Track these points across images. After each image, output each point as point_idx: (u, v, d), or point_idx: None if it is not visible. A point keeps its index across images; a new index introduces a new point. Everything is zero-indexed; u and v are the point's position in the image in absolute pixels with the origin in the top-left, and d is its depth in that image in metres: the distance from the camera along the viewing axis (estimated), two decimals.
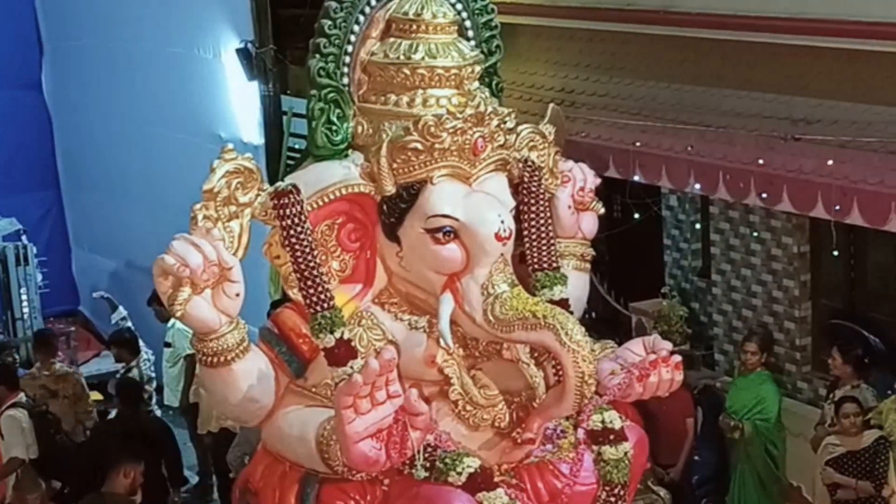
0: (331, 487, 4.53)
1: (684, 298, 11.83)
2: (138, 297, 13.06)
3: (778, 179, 8.75)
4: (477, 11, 5.02)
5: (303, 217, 4.43)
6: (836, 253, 9.79)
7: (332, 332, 4.44)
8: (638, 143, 9.75)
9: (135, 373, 11.83)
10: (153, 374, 12.14)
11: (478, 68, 4.84)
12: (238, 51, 13.32)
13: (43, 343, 11.57)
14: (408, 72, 4.68)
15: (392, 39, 4.77)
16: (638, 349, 4.88)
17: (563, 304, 4.78)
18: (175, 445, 10.49)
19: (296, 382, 4.68)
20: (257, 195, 4.45)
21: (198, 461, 12.22)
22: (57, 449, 10.38)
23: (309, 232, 4.45)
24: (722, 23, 9.31)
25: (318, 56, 4.70)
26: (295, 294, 4.53)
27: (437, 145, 4.47)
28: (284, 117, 13.36)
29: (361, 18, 4.75)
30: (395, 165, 4.53)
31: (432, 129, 4.45)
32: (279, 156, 13.27)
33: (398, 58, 4.70)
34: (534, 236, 4.87)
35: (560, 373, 4.57)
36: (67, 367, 11.54)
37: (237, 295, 4.33)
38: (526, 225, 4.85)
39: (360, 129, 4.76)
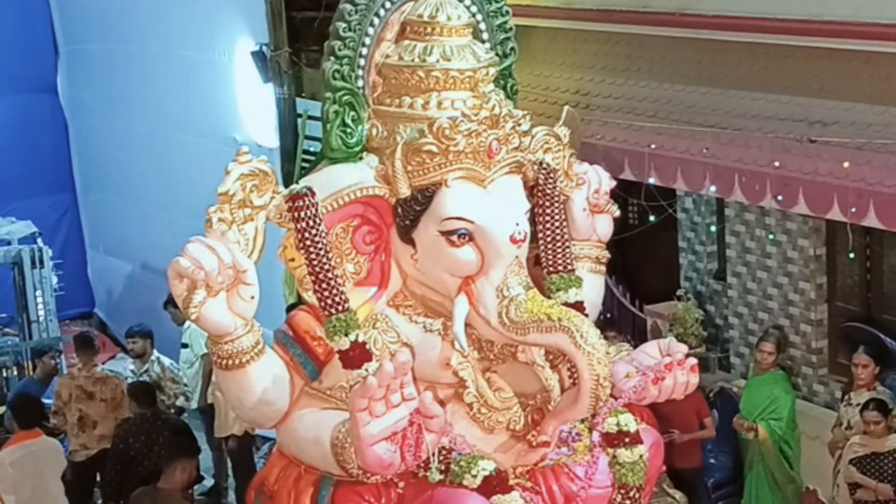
0: (346, 490, 4.53)
1: (700, 301, 11.82)
2: (153, 300, 13.09)
3: (794, 182, 8.73)
4: (492, 14, 5.01)
5: (318, 220, 4.43)
6: (852, 255, 9.78)
7: (346, 335, 4.45)
8: (653, 146, 9.73)
9: (156, 368, 11.84)
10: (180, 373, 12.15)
11: (493, 71, 4.83)
12: (253, 53, 13.35)
13: (84, 344, 11.56)
14: (422, 74, 4.68)
15: (407, 42, 4.77)
16: (653, 352, 4.88)
17: (578, 306, 4.77)
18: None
19: (311, 385, 4.68)
20: (272, 198, 4.45)
21: (213, 463, 12.24)
22: None
23: (324, 234, 4.45)
24: (737, 25, 9.29)
25: (332, 59, 4.70)
26: (310, 296, 4.53)
27: (451, 148, 4.47)
28: (299, 120, 13.39)
29: (376, 21, 4.75)
30: (409, 168, 4.52)
31: (447, 132, 4.45)
32: (294, 158, 13.30)
33: (413, 60, 4.70)
34: (549, 239, 4.86)
35: (575, 375, 4.56)
36: (110, 371, 11.52)
37: (252, 297, 4.33)
38: (541, 227, 4.85)
39: (374, 131, 4.76)
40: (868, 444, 8.86)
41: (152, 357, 11.92)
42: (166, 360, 12.01)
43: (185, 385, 11.92)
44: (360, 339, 4.47)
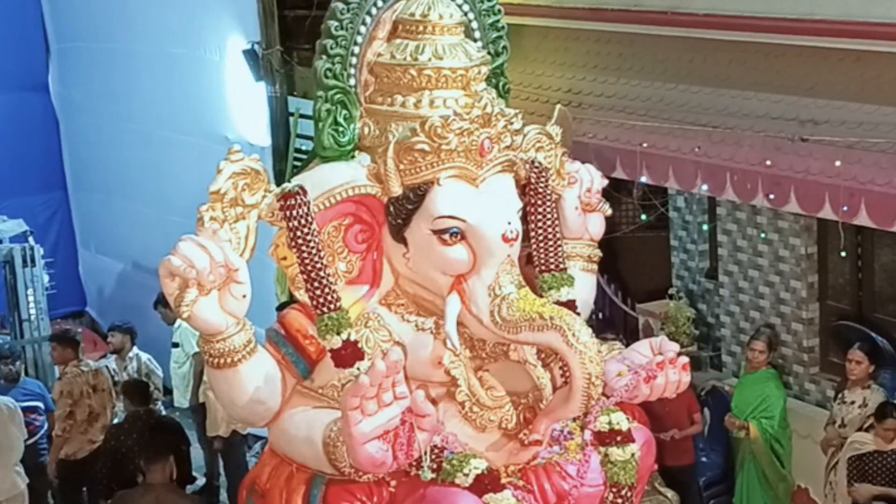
0: (337, 489, 4.53)
1: (691, 300, 11.84)
2: (144, 299, 13.07)
3: (785, 180, 8.74)
4: (484, 12, 5.01)
5: (309, 218, 4.43)
6: (843, 254, 9.78)
7: (338, 334, 4.44)
8: (645, 144, 9.73)
9: (134, 364, 11.87)
10: (157, 370, 12.16)
11: (485, 69, 4.83)
12: (245, 52, 13.34)
13: (69, 341, 11.56)
14: (414, 73, 4.67)
15: (399, 41, 4.76)
16: (645, 350, 4.88)
17: (570, 305, 4.77)
18: (187, 443, 10.53)
19: (302, 384, 4.67)
20: (264, 196, 4.44)
21: (205, 462, 12.23)
22: None
23: (316, 233, 4.45)
24: (729, 24, 9.30)
25: (324, 57, 4.70)
26: (301, 295, 4.52)
27: (443, 146, 4.46)
28: (291, 118, 13.38)
29: (368, 19, 4.75)
30: (401, 167, 4.52)
31: (439, 131, 4.44)
32: (286, 157, 13.29)
33: (405, 59, 4.70)
34: (541, 237, 4.86)
35: (567, 374, 4.57)
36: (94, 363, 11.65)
37: (244, 296, 4.32)
38: (533, 226, 4.85)
39: (366, 130, 4.75)
40: (870, 441, 8.83)
41: (130, 354, 11.95)
42: (144, 356, 12.05)
43: (157, 389, 11.92)
44: (352, 338, 4.47)
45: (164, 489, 8.45)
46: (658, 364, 4.76)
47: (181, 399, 12.91)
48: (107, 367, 11.77)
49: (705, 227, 11.65)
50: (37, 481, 11.10)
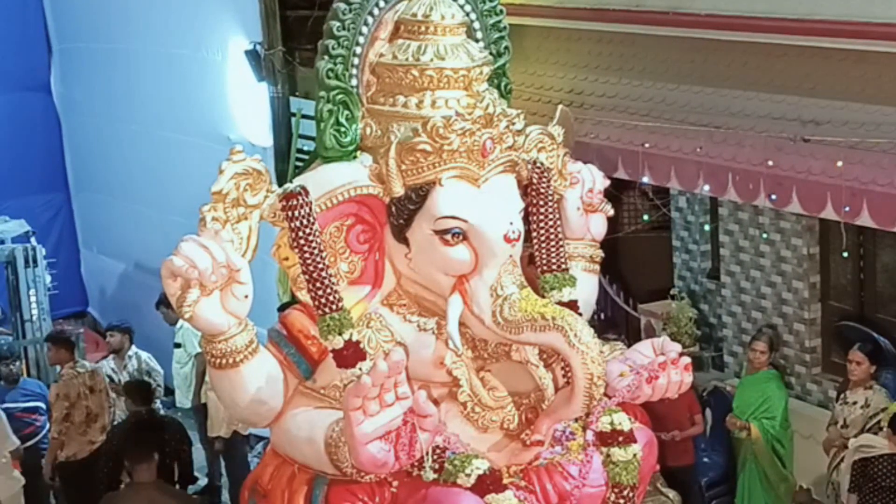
0: (339, 489, 4.53)
1: (693, 300, 11.84)
2: (146, 300, 13.08)
3: (787, 181, 8.74)
4: (486, 13, 5.01)
5: (311, 219, 4.43)
6: (845, 254, 9.78)
7: (340, 334, 4.44)
8: (647, 145, 9.73)
9: (133, 363, 11.89)
10: (157, 368, 12.19)
11: (486, 70, 4.82)
12: (247, 52, 13.35)
13: (66, 342, 11.58)
14: (416, 73, 4.67)
15: (401, 41, 4.76)
16: (647, 351, 4.87)
17: (572, 305, 4.77)
18: (189, 443, 10.53)
19: (304, 384, 4.67)
20: (266, 197, 4.44)
21: (207, 462, 12.24)
22: None
23: (317, 233, 4.45)
24: (730, 24, 9.30)
25: (326, 57, 4.70)
26: (303, 295, 4.52)
27: (445, 147, 4.46)
28: (293, 119, 13.38)
29: (370, 20, 4.75)
30: (403, 167, 4.52)
31: (441, 131, 4.44)
32: (288, 157, 13.29)
33: (407, 59, 4.69)
34: (542, 238, 4.86)
35: (569, 374, 4.57)
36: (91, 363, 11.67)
37: (246, 297, 4.32)
38: (535, 226, 4.85)
39: (368, 130, 4.75)
40: (879, 445, 8.78)
41: (129, 353, 11.97)
42: (144, 354, 12.08)
43: (158, 385, 11.95)
44: (354, 338, 4.46)
45: (154, 488, 8.43)
46: (660, 364, 4.76)
47: (183, 399, 12.92)
48: (111, 368, 11.80)
49: (707, 227, 11.65)
50: (37, 482, 11.10)
